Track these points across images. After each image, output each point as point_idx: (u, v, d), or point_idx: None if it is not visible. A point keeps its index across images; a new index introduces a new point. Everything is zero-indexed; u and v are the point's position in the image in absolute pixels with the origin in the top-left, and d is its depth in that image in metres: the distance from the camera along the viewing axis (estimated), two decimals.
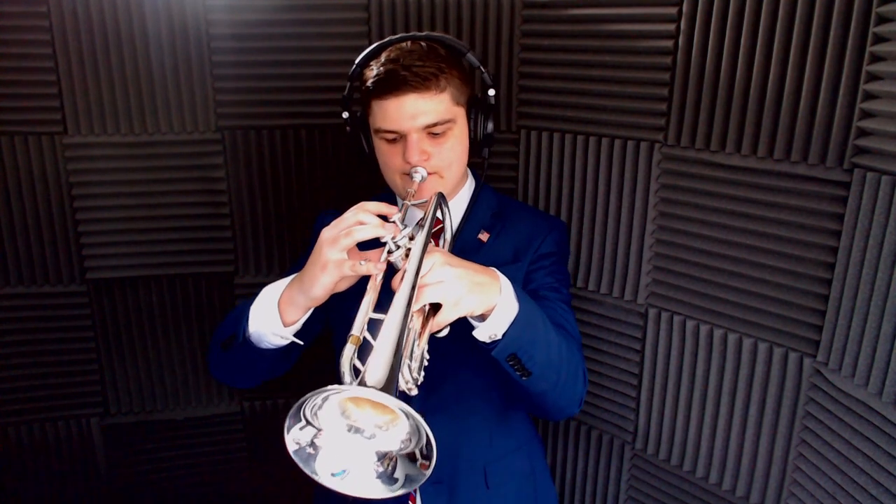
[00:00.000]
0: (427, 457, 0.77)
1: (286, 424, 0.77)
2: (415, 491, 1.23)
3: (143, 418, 1.70)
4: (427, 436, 0.74)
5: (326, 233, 0.98)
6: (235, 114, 1.52)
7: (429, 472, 0.78)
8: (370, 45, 1.48)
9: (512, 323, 0.97)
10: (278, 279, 1.71)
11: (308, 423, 0.79)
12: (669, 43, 1.23)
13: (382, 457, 0.82)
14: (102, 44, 1.43)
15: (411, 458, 0.80)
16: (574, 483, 1.61)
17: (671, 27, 1.22)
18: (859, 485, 1.08)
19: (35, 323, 1.58)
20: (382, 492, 0.81)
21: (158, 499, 1.79)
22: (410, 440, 0.80)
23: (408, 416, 0.74)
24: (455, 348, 1.04)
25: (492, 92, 1.18)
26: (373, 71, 1.11)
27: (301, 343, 1.08)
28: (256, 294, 1.10)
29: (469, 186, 1.29)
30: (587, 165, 1.39)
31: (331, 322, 1.26)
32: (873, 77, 1.01)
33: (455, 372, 1.19)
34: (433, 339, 0.94)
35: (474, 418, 1.25)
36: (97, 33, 1.42)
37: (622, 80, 1.31)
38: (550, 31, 1.39)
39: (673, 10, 1.21)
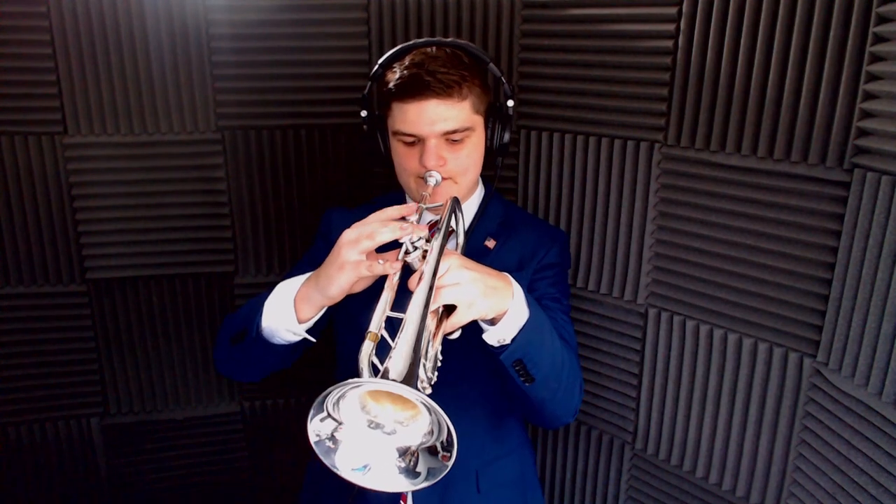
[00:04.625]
0: (448, 449, 0.78)
1: (310, 414, 0.78)
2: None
3: (143, 418, 1.70)
4: (448, 428, 0.75)
5: (348, 235, 0.99)
6: (235, 114, 1.52)
7: (450, 464, 0.78)
8: (370, 45, 1.50)
9: (521, 329, 0.98)
10: (278, 279, 1.71)
11: (329, 415, 0.80)
12: (669, 43, 1.23)
13: (403, 452, 0.83)
14: (102, 44, 1.43)
15: (432, 451, 0.81)
16: (574, 483, 1.61)
17: (671, 27, 1.22)
18: (859, 485, 1.08)
19: (35, 323, 1.58)
20: (406, 486, 0.82)
21: (158, 499, 1.79)
22: (431, 434, 0.81)
23: (429, 409, 0.75)
24: (457, 353, 1.04)
25: (510, 103, 1.19)
26: (396, 73, 1.12)
27: (313, 340, 1.10)
28: (268, 291, 1.12)
29: (479, 193, 1.30)
30: (587, 165, 1.39)
31: (335, 321, 1.26)
32: (873, 77, 1.01)
33: (453, 376, 1.19)
34: (442, 341, 0.94)
35: (469, 422, 1.25)
36: (97, 33, 1.42)
37: (622, 80, 1.31)
38: (550, 31, 1.39)
39: (673, 10, 1.21)
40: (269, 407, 1.76)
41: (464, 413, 1.23)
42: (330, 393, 0.75)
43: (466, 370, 1.19)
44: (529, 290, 1.22)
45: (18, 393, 1.62)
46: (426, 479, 0.81)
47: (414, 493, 1.23)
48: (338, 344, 1.31)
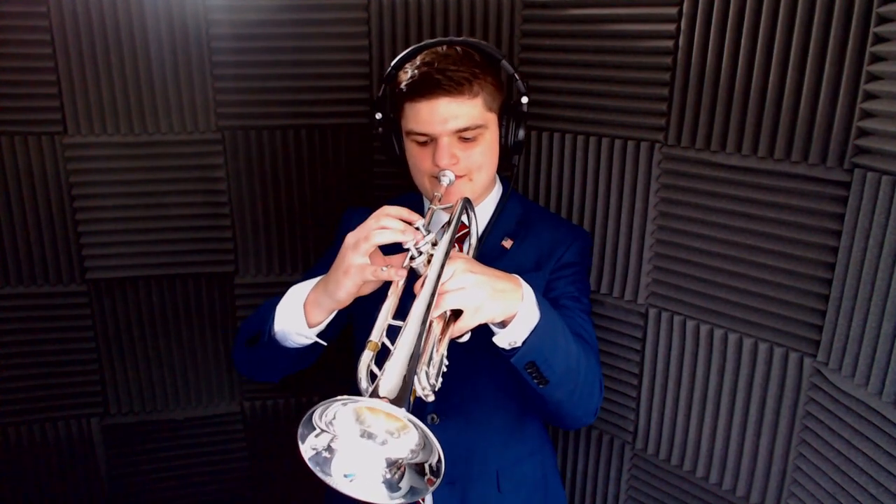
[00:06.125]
0: (435, 473, 0.77)
1: (299, 433, 0.78)
2: None
3: (143, 418, 1.70)
4: (438, 453, 0.73)
5: (350, 238, 0.99)
6: (235, 114, 1.52)
7: (433, 489, 0.77)
8: (370, 45, 1.50)
9: (532, 331, 0.97)
10: (278, 279, 1.71)
11: (323, 430, 0.79)
12: (669, 43, 1.23)
13: (392, 464, 0.82)
14: (102, 44, 1.43)
15: (419, 470, 0.80)
16: (574, 483, 1.61)
17: (671, 27, 1.22)
18: (859, 485, 1.08)
19: (35, 323, 1.58)
20: (384, 497, 0.81)
21: (158, 499, 1.79)
22: (420, 450, 0.80)
23: (417, 428, 0.73)
24: (474, 354, 1.04)
25: (525, 100, 1.18)
26: (407, 73, 1.12)
27: (324, 343, 1.10)
28: (282, 293, 1.12)
29: (496, 192, 1.30)
30: (587, 165, 1.39)
31: (353, 321, 1.27)
32: (874, 77, 1.01)
33: (472, 377, 1.19)
34: (452, 343, 0.93)
35: (489, 423, 1.25)
36: (97, 33, 1.42)
37: (622, 80, 1.31)
38: (550, 31, 1.39)
39: (673, 10, 1.21)
40: (269, 407, 1.76)
41: (484, 414, 1.23)
42: (316, 410, 0.75)
43: (486, 373, 1.19)
44: (548, 290, 1.21)
45: (18, 393, 1.62)
46: (405, 495, 0.80)
47: (434, 491, 1.23)
48: (355, 343, 1.31)
